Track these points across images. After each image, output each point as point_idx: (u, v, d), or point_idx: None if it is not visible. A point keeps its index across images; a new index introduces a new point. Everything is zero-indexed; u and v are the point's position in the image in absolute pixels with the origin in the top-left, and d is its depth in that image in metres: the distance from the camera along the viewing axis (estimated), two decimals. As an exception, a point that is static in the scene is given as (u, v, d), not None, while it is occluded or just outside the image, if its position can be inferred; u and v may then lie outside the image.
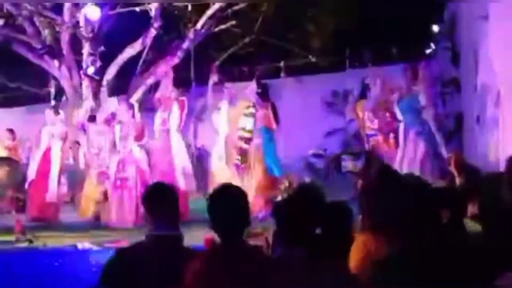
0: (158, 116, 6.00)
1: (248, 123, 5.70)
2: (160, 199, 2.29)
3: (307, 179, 6.40)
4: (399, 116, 5.65)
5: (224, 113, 5.86)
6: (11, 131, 7.72)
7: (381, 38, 9.03)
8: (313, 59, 10.06)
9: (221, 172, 5.72)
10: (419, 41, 8.77)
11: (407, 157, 5.35)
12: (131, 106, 6.11)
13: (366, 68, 8.46)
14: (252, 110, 5.69)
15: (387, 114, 6.01)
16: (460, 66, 7.36)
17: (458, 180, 3.90)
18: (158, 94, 6.08)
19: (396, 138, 6.12)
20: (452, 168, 4.16)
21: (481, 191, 2.20)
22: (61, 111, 6.73)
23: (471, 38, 6.19)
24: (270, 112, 5.75)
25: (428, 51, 8.88)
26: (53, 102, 7.90)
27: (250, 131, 5.71)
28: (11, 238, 4.82)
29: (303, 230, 1.97)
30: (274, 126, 5.81)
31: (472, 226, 2.43)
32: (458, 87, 7.40)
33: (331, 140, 9.08)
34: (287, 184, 5.30)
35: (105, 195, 5.83)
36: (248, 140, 5.72)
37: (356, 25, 9.12)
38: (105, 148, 6.02)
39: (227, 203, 1.99)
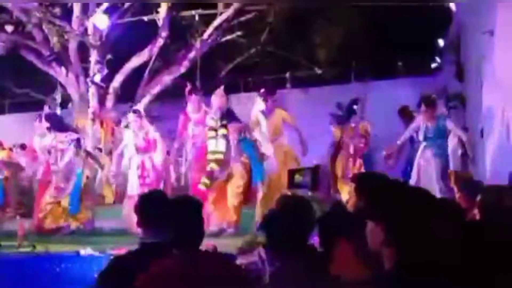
0: (190, 129, 5.84)
1: (221, 145, 5.51)
2: (151, 207, 2.33)
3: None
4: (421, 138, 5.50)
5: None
6: None
7: (387, 51, 9.07)
8: (319, 71, 10.11)
9: None
10: (424, 55, 8.80)
11: (423, 179, 5.27)
12: (140, 115, 5.97)
13: (370, 82, 8.51)
14: (224, 131, 5.52)
15: (362, 140, 6.15)
16: (465, 80, 7.36)
17: (458, 196, 3.87)
18: (189, 110, 5.86)
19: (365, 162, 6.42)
20: (452, 185, 4.14)
21: (482, 206, 2.19)
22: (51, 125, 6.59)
23: (477, 52, 6.21)
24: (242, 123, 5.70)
25: (433, 65, 8.90)
26: (46, 109, 7.80)
27: (222, 152, 5.56)
28: (15, 243, 4.84)
29: (293, 240, 1.98)
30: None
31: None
32: (463, 102, 7.39)
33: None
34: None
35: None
36: (221, 162, 5.57)
37: (362, 38, 9.18)
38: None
39: (187, 213, 2.07)
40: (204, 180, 5.33)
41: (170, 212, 2.09)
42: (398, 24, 8.88)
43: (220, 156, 5.37)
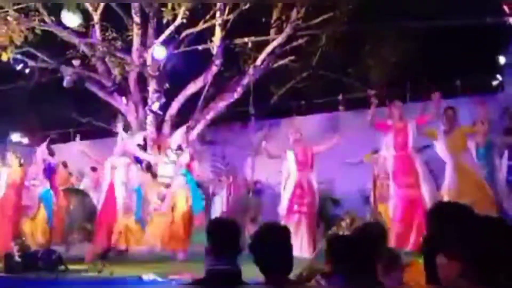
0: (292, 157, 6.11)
1: (169, 170, 6.11)
2: (220, 233, 2.35)
3: (368, 215, 6.28)
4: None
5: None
6: (64, 164, 8.19)
7: (444, 70, 8.81)
8: (373, 92, 9.96)
9: None
10: (484, 72, 8.48)
11: None
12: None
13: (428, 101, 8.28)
14: (174, 157, 6.03)
15: None
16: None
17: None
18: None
19: None
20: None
21: None
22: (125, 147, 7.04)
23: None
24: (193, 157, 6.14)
25: (494, 83, 8.56)
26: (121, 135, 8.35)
27: (170, 177, 6.11)
28: (83, 267, 5.06)
29: (366, 268, 1.96)
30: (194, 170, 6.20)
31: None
32: (527, 120, 7.05)
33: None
34: (348, 221, 5.22)
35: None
36: (168, 186, 6.11)
37: (417, 57, 8.98)
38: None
39: (273, 242, 2.07)
40: (159, 201, 5.84)
41: (259, 240, 2.11)
42: (455, 42, 8.63)
43: (168, 181, 5.89)
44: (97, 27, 9.07)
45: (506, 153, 5.47)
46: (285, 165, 6.41)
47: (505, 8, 7.50)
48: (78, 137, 7.67)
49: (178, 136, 6.59)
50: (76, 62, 9.02)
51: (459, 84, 9.05)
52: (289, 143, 6.42)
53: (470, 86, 8.56)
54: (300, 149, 6.26)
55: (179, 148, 6.29)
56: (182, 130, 6.74)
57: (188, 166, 6.25)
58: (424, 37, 8.86)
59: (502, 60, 8.10)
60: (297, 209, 5.96)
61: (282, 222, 5.71)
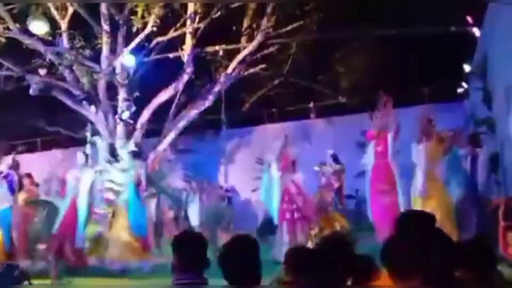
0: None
1: (121, 177, 6.02)
2: (185, 247, 2.34)
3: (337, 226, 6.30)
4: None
5: None
6: (29, 175, 7.93)
7: (412, 77, 9.02)
8: (343, 100, 10.11)
9: None
10: (450, 80, 8.72)
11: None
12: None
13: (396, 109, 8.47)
14: (125, 165, 6.06)
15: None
16: (493, 106, 7.26)
17: (502, 225, 3.75)
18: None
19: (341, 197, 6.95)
20: (500, 215, 4.02)
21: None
22: (90, 159, 6.89)
23: (503, 77, 6.15)
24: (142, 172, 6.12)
25: (459, 90, 8.80)
26: (88, 148, 8.12)
27: (120, 185, 6.00)
28: (48, 282, 4.92)
29: (331, 279, 1.97)
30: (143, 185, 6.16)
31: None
32: (492, 127, 7.26)
33: (362, 180, 8.95)
34: (317, 230, 5.25)
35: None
36: (116, 193, 6.02)
37: (386, 65, 9.17)
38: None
39: (240, 255, 2.07)
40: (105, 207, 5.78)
41: (226, 253, 2.10)
42: (422, 51, 8.85)
43: (117, 188, 5.84)
44: (64, 35, 8.89)
45: (468, 160, 5.57)
46: (266, 172, 6.31)
47: (469, 19, 7.75)
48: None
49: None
50: (42, 71, 8.81)
51: (426, 91, 9.27)
52: (262, 149, 6.39)
53: (436, 93, 8.80)
54: (282, 155, 6.17)
55: (134, 153, 6.19)
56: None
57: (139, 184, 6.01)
58: (392, 45, 9.06)
59: (467, 68, 8.35)
60: (289, 217, 5.79)
61: (278, 231, 5.60)
